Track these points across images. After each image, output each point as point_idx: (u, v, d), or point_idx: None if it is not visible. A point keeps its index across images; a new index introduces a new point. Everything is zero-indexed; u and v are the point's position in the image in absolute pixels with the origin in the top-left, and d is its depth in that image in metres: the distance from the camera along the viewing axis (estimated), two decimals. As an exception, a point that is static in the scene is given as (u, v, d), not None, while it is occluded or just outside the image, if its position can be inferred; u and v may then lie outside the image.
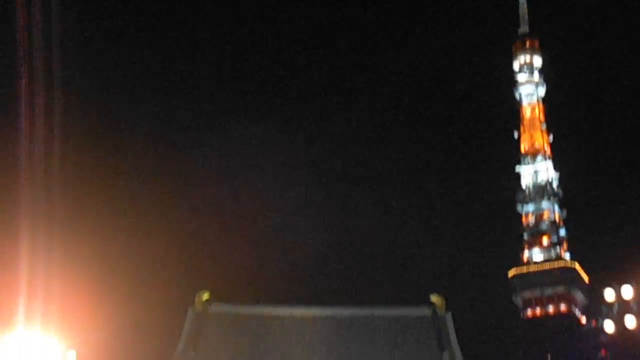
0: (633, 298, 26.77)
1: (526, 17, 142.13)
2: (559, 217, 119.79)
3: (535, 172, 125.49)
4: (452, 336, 51.15)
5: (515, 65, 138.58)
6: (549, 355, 69.35)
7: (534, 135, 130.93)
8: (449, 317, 53.02)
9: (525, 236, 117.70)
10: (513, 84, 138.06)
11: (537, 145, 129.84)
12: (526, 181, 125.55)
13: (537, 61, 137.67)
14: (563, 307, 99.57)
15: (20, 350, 15.17)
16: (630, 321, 21.37)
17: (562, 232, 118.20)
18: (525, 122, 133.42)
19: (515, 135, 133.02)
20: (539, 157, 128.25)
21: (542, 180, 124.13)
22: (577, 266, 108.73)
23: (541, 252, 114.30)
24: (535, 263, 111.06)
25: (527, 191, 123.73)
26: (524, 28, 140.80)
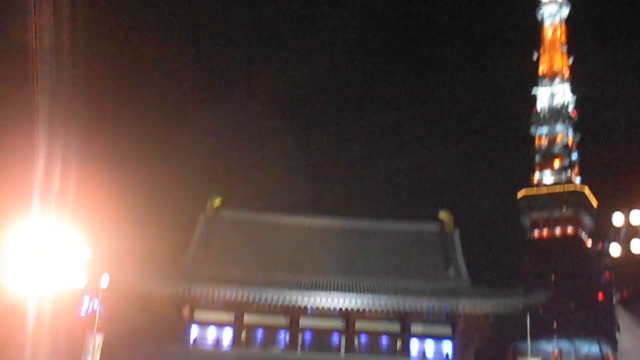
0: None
1: None
2: (572, 141, 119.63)
3: (552, 95, 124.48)
4: (459, 253, 51.93)
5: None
6: (553, 276, 70.25)
7: (554, 57, 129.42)
8: (456, 234, 53.74)
9: (537, 158, 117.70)
10: (536, 3, 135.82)
11: (556, 67, 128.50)
12: (542, 103, 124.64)
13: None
14: (570, 229, 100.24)
15: (36, 237, 15.36)
16: (636, 245, 21.66)
17: (574, 155, 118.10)
18: (546, 44, 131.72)
19: (535, 56, 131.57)
20: (557, 80, 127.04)
21: (558, 103, 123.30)
22: (587, 190, 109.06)
23: (552, 175, 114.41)
24: (545, 185, 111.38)
25: (542, 114, 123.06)
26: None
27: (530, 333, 39.77)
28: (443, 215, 54.53)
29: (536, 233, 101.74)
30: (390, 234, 53.48)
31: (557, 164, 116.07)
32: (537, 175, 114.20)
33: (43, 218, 16.44)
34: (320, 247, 49.92)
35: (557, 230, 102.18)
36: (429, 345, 47.50)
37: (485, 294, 45.68)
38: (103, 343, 35.82)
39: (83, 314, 33.79)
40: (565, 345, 62.15)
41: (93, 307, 34.99)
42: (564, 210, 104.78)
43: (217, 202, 54.67)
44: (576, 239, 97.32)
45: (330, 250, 49.18)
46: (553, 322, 59.15)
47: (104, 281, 33.45)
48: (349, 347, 46.94)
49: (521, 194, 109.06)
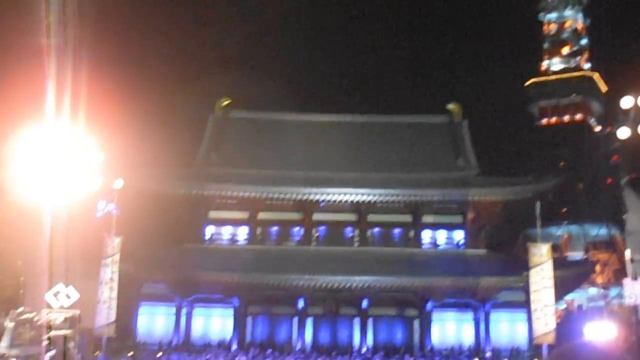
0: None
1: None
2: (582, 26, 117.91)
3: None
4: (468, 143, 52.17)
5: None
6: (562, 162, 70.51)
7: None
8: (464, 124, 53.88)
9: (546, 45, 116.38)
10: None
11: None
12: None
13: None
14: (579, 115, 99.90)
15: (49, 142, 15.42)
16: (645, 127, 21.74)
17: (584, 41, 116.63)
18: None
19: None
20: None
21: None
22: (596, 76, 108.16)
23: (561, 62, 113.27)
24: (554, 72, 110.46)
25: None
26: None
27: (539, 219, 40.23)
28: (451, 106, 54.57)
29: (545, 120, 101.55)
30: (400, 127, 53.67)
31: (566, 50, 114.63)
32: (545, 63, 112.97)
33: (56, 122, 16.62)
34: (330, 142, 50.22)
35: (566, 117, 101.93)
36: (441, 234, 48.27)
37: (495, 182, 46.16)
38: (121, 244, 36.57)
39: (99, 216, 34.33)
40: (574, 229, 62.94)
41: (108, 210, 35.53)
42: (572, 96, 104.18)
43: (225, 102, 54.80)
44: (585, 125, 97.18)
45: (341, 146, 49.50)
46: (562, 207, 59.73)
47: (118, 184, 33.92)
48: (362, 240, 47.77)
49: (529, 81, 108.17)
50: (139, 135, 40.38)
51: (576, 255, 54.26)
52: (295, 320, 44.99)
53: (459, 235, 48.06)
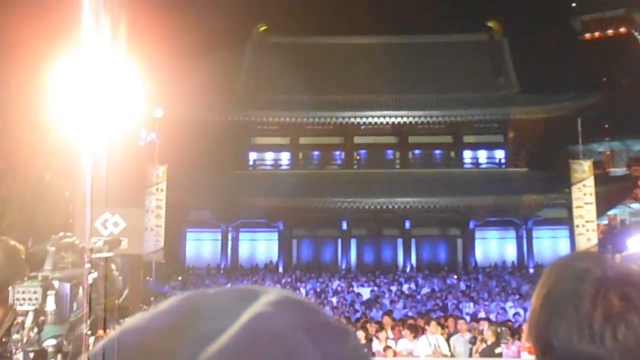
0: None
1: None
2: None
3: None
4: (508, 61, 51.69)
5: None
6: (604, 78, 69.50)
7: None
8: (505, 42, 53.26)
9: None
10: None
11: None
12: None
13: None
14: (623, 29, 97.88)
15: (89, 71, 15.49)
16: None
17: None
18: None
19: None
20: None
21: None
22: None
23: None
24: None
25: None
26: None
27: (581, 135, 40.07)
28: (491, 23, 53.91)
29: (588, 35, 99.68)
30: (439, 46, 53.20)
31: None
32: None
33: (96, 52, 16.81)
34: (369, 65, 50.01)
35: (610, 31, 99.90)
36: (482, 154, 48.32)
37: (536, 100, 45.79)
38: (166, 173, 37.19)
39: (141, 145, 34.88)
40: (617, 145, 62.30)
41: (151, 139, 36.07)
42: (615, 9, 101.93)
43: (262, 28, 54.70)
44: (629, 38, 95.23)
45: (380, 68, 49.28)
46: (604, 123, 59.12)
47: (159, 113, 34.34)
48: (403, 162, 47.98)
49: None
50: (178, 64, 40.57)
51: (619, 171, 53.83)
52: (339, 241, 45.72)
53: (500, 155, 48.06)
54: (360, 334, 15.58)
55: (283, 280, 38.40)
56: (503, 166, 47.59)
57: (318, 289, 36.12)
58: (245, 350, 0.68)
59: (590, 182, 37.22)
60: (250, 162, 48.76)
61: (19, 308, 3.43)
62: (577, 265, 1.49)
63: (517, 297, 32.57)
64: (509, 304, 30.85)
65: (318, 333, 0.72)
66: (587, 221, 36.70)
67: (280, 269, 43.18)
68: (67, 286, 3.61)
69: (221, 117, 45.49)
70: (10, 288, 3.26)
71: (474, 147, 48.05)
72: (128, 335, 0.74)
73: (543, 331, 1.49)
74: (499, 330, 15.65)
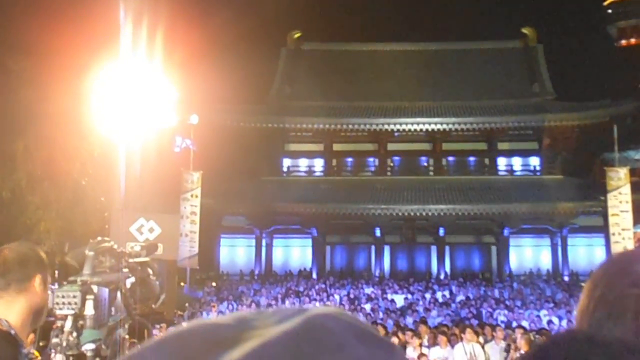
0: None
1: None
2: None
3: None
4: (543, 67, 51.37)
5: None
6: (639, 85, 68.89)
7: None
8: (540, 48, 52.95)
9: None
10: None
11: None
12: None
13: None
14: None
15: (126, 79, 15.66)
16: None
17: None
18: None
19: None
20: None
21: None
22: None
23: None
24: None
25: None
26: None
27: (617, 142, 39.71)
28: (526, 30, 53.65)
29: (623, 41, 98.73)
30: (473, 53, 53.03)
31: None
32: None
33: (133, 60, 17.03)
34: (403, 71, 50.01)
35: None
36: (516, 161, 48.00)
37: (571, 107, 45.46)
38: (201, 179, 37.38)
39: (176, 151, 35.12)
40: (654, 152, 61.64)
41: (186, 145, 36.30)
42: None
43: (296, 35, 54.89)
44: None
45: (414, 74, 49.27)
46: (641, 130, 58.50)
47: (194, 120, 34.53)
48: (437, 169, 47.83)
49: (608, 0, 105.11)
50: (212, 71, 40.83)
51: (656, 178, 53.26)
52: (373, 248, 45.70)
53: (534, 162, 47.73)
54: (394, 341, 15.55)
55: (317, 286, 38.42)
56: (538, 173, 47.29)
57: (351, 296, 36.09)
58: (297, 338, 0.71)
59: (626, 189, 36.85)
60: (284, 169, 48.88)
61: (58, 312, 3.49)
62: (637, 270, 1.47)
63: (552, 305, 32.30)
64: (544, 312, 30.59)
65: (367, 339, 0.74)
66: (623, 229, 36.32)
67: (314, 275, 43.21)
68: (106, 291, 3.67)
69: (255, 124, 45.70)
70: (50, 292, 3.32)
71: (509, 154, 47.74)
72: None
73: (597, 332, 1.48)
74: (532, 338, 15.56)
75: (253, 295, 36.38)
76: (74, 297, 3.46)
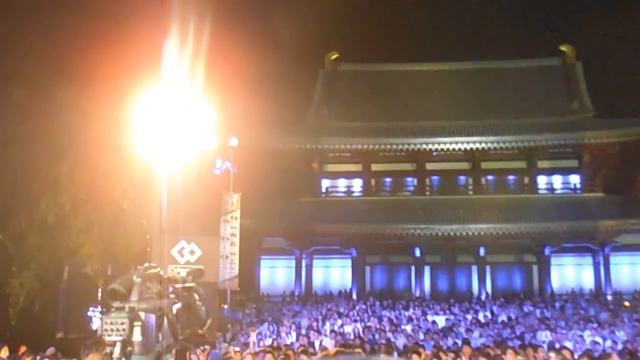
0: None
1: None
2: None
3: None
4: (582, 85, 50.97)
5: None
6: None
7: None
8: (579, 65, 52.56)
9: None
10: None
11: None
12: None
13: None
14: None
15: (166, 102, 15.68)
16: None
17: None
18: None
19: None
20: None
21: None
22: None
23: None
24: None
25: None
26: None
27: (659, 159, 39.33)
28: (565, 47, 53.33)
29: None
30: (511, 71, 52.85)
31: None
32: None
33: (173, 84, 17.12)
34: (441, 91, 49.93)
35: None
36: (557, 179, 47.60)
37: (611, 124, 45.02)
38: (241, 200, 37.52)
39: (217, 174, 35.22)
40: (697, 168, 60.78)
41: (226, 167, 36.42)
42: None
43: (334, 56, 55.08)
44: None
45: (452, 94, 49.13)
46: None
47: (234, 142, 34.67)
48: (476, 188, 47.62)
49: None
50: (252, 93, 41.09)
51: (700, 194, 52.51)
52: (413, 269, 45.48)
53: (575, 179, 47.29)
54: (435, 363, 15.48)
55: (357, 307, 38.28)
56: (578, 191, 46.85)
57: (392, 317, 35.91)
58: None
59: (670, 207, 36.43)
60: (323, 189, 48.96)
61: (107, 339, 3.56)
62: None
63: (596, 325, 31.84)
64: (587, 332, 30.17)
65: None
66: (667, 247, 35.89)
67: (354, 296, 43.10)
68: (153, 317, 3.74)
69: (294, 145, 45.84)
70: (99, 318, 3.40)
71: (549, 172, 47.38)
72: None
73: None
74: (571, 358, 15.38)
75: (293, 316, 36.35)
76: (122, 323, 3.53)
